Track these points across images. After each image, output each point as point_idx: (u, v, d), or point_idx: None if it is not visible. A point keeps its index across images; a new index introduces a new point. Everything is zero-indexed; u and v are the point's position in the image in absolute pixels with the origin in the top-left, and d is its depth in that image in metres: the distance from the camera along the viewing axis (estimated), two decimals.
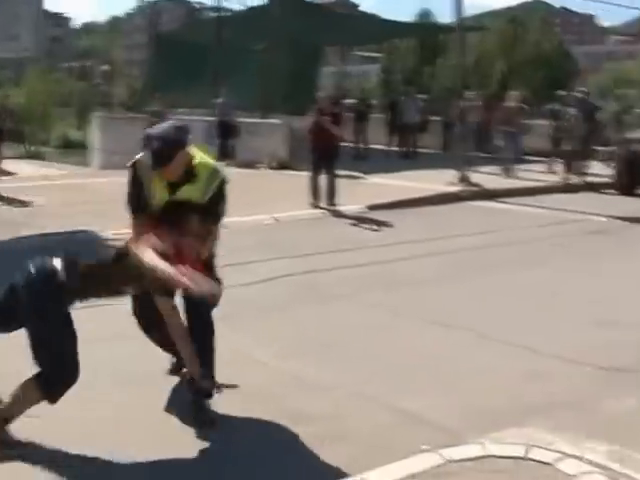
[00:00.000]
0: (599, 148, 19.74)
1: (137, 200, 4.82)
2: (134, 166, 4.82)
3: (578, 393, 5.58)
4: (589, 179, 18.37)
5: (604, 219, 13.62)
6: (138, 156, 4.80)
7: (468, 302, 7.78)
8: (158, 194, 4.76)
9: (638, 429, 5.01)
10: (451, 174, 16.70)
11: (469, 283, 8.65)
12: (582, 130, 17.96)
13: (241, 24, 27.39)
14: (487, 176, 17.83)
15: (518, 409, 5.21)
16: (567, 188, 17.48)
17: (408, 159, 22.56)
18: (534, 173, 19.39)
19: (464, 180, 16.45)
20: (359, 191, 13.12)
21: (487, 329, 6.90)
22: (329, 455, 4.48)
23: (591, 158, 18.85)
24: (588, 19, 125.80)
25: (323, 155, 13.43)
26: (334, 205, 13.33)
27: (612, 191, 17.51)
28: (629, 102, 21.03)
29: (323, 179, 13.57)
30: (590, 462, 4.42)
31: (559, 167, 18.95)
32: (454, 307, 7.62)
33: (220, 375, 4.95)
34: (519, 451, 4.47)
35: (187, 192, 4.77)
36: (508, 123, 19.10)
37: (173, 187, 4.75)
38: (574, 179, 18.19)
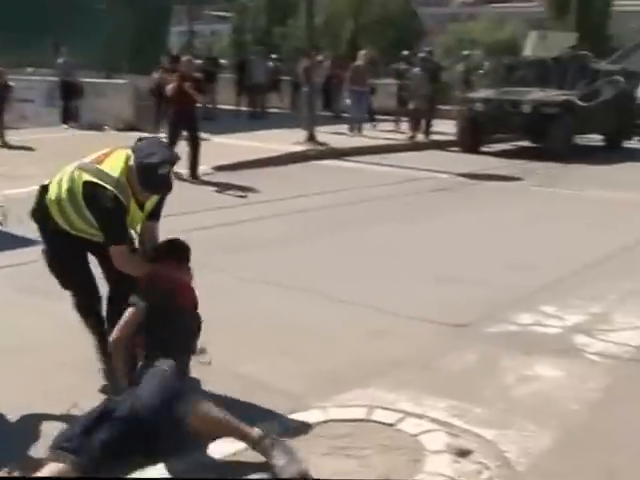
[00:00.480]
0: (445, 107, 20.11)
1: (126, 228, 4.61)
2: (116, 198, 4.46)
3: (421, 351, 5.60)
4: (435, 137, 18.70)
5: (448, 176, 13.88)
6: (108, 185, 4.46)
7: (314, 263, 7.73)
8: (136, 216, 4.65)
9: (478, 384, 5.06)
10: (300, 134, 16.65)
11: (316, 243, 8.59)
12: (426, 89, 18.20)
13: None
14: (335, 135, 17.91)
15: (361, 370, 5.16)
16: (414, 147, 17.76)
17: (257, 119, 22.37)
18: (382, 132, 19.60)
19: (312, 139, 16.43)
20: (205, 152, 12.82)
21: (332, 289, 6.86)
22: None
23: (436, 117, 19.16)
24: None
25: (184, 122, 12.63)
26: (197, 178, 12.58)
27: (456, 149, 17.89)
28: (474, 62, 21.41)
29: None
30: (432, 420, 4.44)
31: (406, 126, 19.20)
32: (300, 268, 7.54)
33: None
34: (361, 413, 4.44)
35: (149, 204, 4.70)
36: (356, 82, 19.19)
37: (141, 205, 4.65)
38: (420, 138, 18.48)
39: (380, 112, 21.24)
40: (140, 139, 4.75)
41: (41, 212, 4.77)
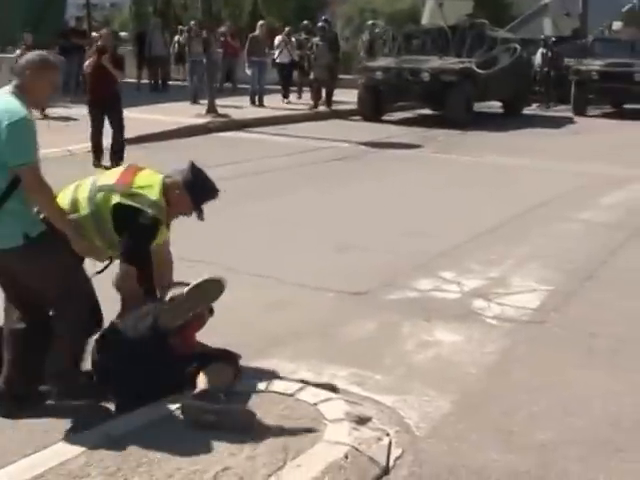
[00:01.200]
0: (348, 77, 20.11)
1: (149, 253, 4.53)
2: (154, 220, 4.43)
3: (321, 320, 5.61)
4: (337, 107, 18.69)
5: (349, 145, 13.91)
6: (147, 208, 4.38)
7: (215, 236, 7.63)
8: (163, 234, 4.66)
9: (377, 351, 5.10)
10: (201, 106, 16.46)
11: (217, 216, 8.42)
12: (327, 59, 18.16)
13: None
14: (236, 108, 17.69)
15: (262, 341, 5.14)
16: (315, 116, 17.73)
17: (159, 92, 21.99)
18: (283, 102, 19.49)
19: (212, 111, 16.25)
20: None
21: (234, 262, 6.77)
22: None
23: (339, 86, 19.14)
24: None
25: (105, 103, 11.39)
26: (120, 163, 10.70)
27: (358, 118, 17.92)
28: (379, 32, 21.37)
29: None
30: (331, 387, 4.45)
31: (307, 96, 19.15)
32: (201, 242, 7.44)
33: None
34: (261, 385, 4.42)
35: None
36: (255, 53, 19.06)
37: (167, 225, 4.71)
38: (322, 108, 18.46)
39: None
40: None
41: None
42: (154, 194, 4.46)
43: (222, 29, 22.16)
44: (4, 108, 3.93)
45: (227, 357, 4.42)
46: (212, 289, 4.49)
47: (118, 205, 4.39)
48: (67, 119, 15.25)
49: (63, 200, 4.42)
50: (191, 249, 6.98)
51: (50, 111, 14.36)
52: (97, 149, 11.71)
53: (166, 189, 4.52)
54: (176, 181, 4.59)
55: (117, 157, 11.40)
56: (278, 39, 20.22)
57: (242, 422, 3.93)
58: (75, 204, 4.44)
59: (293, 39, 20.13)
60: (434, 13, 19.66)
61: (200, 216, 4.72)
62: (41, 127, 4.35)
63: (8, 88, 4.09)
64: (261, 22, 20.65)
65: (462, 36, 17.95)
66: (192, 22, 20.46)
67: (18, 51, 17.58)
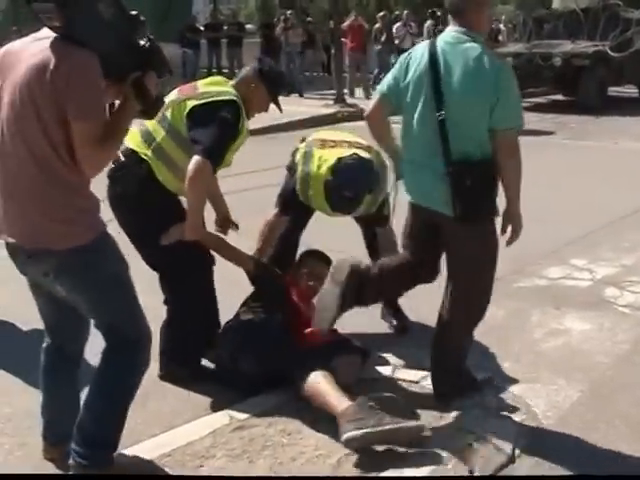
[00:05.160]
0: None
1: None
2: (239, 115, 4.13)
3: None
4: None
5: None
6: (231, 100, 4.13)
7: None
8: (242, 138, 4.33)
9: (505, 339, 5.04)
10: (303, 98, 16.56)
11: None
12: None
13: None
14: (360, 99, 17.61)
15: (386, 329, 5.17)
16: None
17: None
18: None
19: (340, 101, 16.29)
20: None
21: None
22: None
23: None
24: None
25: None
26: None
27: None
28: (508, 17, 21.01)
29: None
30: None
31: None
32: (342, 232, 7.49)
33: None
34: (386, 371, 4.45)
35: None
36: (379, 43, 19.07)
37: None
38: None
39: None
40: None
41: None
42: (228, 90, 4.18)
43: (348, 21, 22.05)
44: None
45: (351, 346, 4.36)
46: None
47: (194, 107, 4.04)
48: None
49: (135, 139, 4.17)
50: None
51: None
52: None
53: (238, 87, 4.26)
54: (247, 75, 4.35)
55: None
56: (397, 26, 19.99)
57: (413, 438, 3.59)
58: (148, 134, 4.17)
59: (413, 24, 19.95)
60: None
61: (279, 107, 4.43)
62: None
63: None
64: (381, 13, 20.58)
65: (595, 18, 17.45)
66: (288, 12, 20.38)
67: None
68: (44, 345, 3.45)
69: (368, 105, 4.18)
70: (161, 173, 4.13)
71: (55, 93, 2.86)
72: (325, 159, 4.51)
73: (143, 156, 4.14)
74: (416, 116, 3.82)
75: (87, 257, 3.05)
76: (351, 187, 4.42)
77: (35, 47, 2.95)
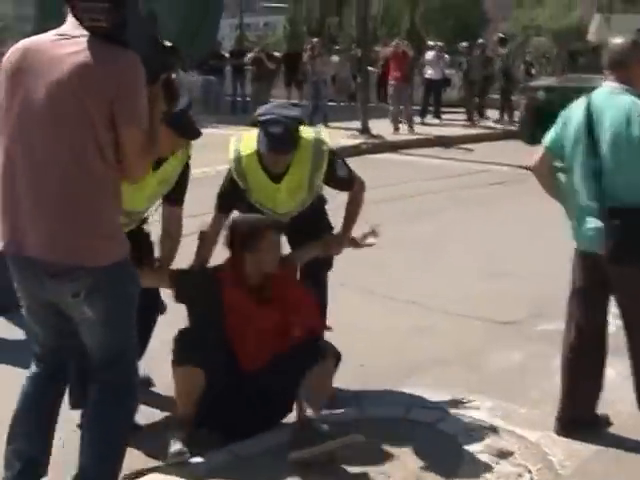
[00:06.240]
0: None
1: None
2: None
3: (465, 348, 5.47)
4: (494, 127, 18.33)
5: (506, 169, 13.57)
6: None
7: (355, 260, 7.57)
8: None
9: (524, 384, 4.93)
10: (355, 126, 16.45)
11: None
12: (475, 76, 17.81)
13: None
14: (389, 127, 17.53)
15: (403, 367, 5.07)
16: (474, 138, 17.40)
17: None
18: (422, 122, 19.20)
19: (365, 132, 16.20)
20: None
21: (373, 285, 6.73)
22: None
23: (489, 107, 18.74)
24: None
25: None
26: None
27: (517, 140, 17.48)
28: (541, 50, 20.87)
29: None
30: (474, 420, 4.31)
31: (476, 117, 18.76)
32: (345, 264, 7.40)
33: None
34: (399, 412, 4.33)
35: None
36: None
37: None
38: (479, 128, 18.14)
39: (445, 104, 20.52)
40: None
41: None
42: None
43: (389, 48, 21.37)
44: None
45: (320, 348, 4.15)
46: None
47: None
48: None
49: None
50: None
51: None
52: None
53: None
54: None
55: None
56: (430, 54, 19.69)
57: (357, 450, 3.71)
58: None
59: (446, 55, 19.76)
60: (600, 29, 18.93)
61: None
62: None
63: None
64: (398, 41, 19.52)
65: None
66: (314, 40, 19.98)
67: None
68: (31, 373, 3.25)
69: (531, 158, 4.52)
70: None
71: (104, 94, 2.77)
72: (250, 135, 4.47)
73: None
74: (575, 165, 4.12)
75: (121, 274, 2.95)
76: (276, 122, 4.26)
77: (71, 46, 2.82)
